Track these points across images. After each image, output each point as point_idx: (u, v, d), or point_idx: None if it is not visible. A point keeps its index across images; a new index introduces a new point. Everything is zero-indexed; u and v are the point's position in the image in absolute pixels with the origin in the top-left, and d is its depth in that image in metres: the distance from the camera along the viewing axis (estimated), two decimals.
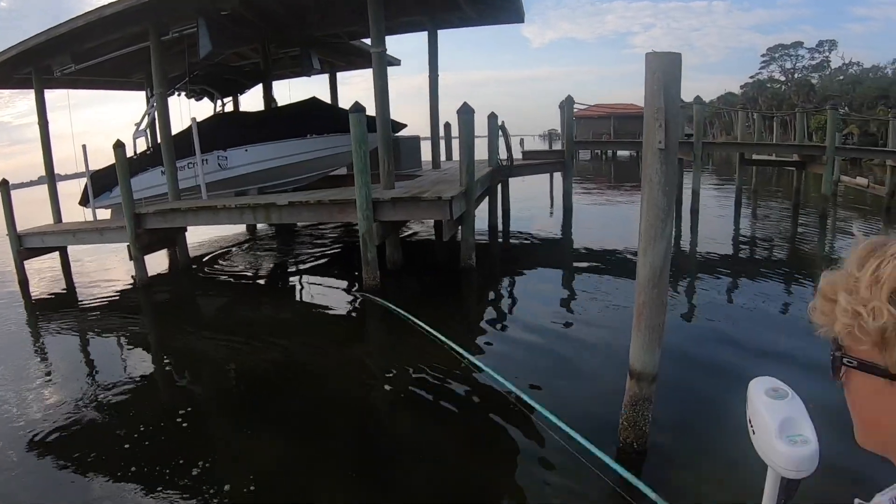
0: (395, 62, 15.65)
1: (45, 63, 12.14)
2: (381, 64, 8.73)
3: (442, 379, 5.31)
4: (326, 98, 15.39)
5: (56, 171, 13.48)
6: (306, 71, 14.37)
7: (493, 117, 11.65)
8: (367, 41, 10.50)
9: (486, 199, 12.14)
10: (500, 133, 12.17)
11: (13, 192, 12.13)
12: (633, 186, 19.07)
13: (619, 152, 33.68)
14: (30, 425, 5.04)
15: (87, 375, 6.54)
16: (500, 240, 12.14)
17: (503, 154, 12.48)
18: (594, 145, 30.47)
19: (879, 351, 0.67)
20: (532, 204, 16.01)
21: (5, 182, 11.89)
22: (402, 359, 6.00)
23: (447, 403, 4.91)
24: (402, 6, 11.18)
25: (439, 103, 13.12)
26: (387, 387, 5.45)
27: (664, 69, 3.30)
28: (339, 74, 17.10)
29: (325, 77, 16.95)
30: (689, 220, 13.14)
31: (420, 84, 12.88)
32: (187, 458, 4.21)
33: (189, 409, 5.24)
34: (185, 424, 4.90)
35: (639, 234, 3.56)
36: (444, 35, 13.02)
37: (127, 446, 4.51)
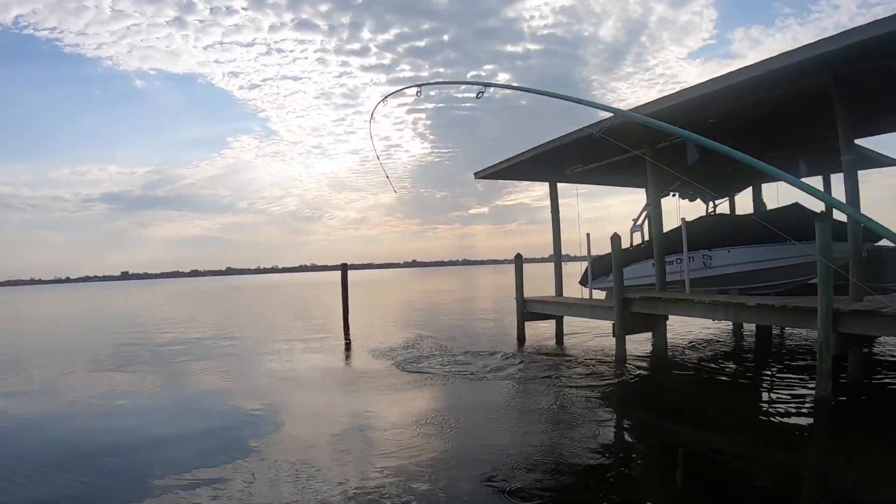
0: (891, 162, 16.23)
1: (559, 162, 16.90)
2: (851, 173, 10.25)
3: None
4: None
5: (564, 252, 18.32)
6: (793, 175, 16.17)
7: None
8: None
9: None
10: None
11: (528, 266, 17.32)
12: None
13: None
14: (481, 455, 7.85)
15: (544, 421, 9.73)
16: None
17: None
18: None
19: None
20: None
21: (519, 256, 17.15)
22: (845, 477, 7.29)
23: None
24: (880, 107, 12.55)
25: None
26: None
27: None
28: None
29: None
30: None
31: None
32: None
33: (628, 472, 7.79)
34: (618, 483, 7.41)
35: None
36: None
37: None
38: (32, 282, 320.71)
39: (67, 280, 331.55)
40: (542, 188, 19.02)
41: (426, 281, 76.17)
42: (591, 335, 18.01)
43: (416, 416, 10.05)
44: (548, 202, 18.77)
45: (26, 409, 11.59)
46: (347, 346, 18.64)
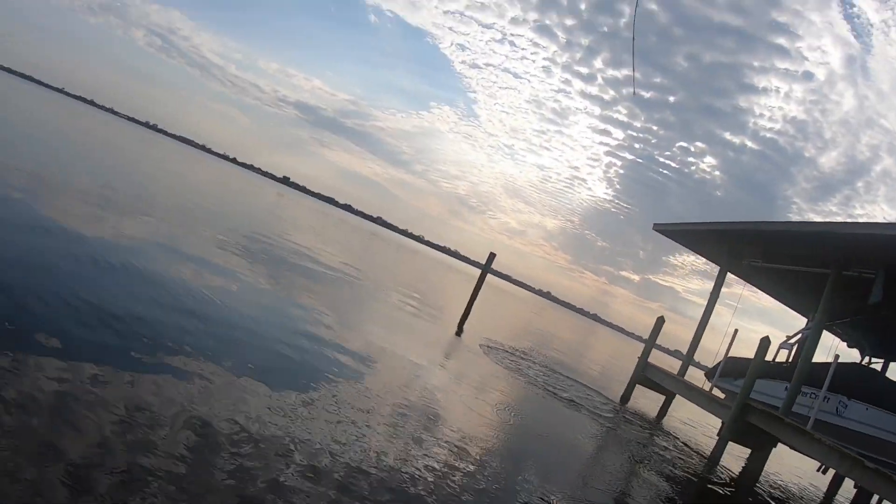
0: None
1: (740, 249, 16.81)
2: None
3: None
4: None
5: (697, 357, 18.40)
6: None
7: None
8: None
9: None
10: None
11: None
12: None
13: None
14: None
15: (609, 474, 9.86)
16: None
17: None
18: None
19: None
20: None
21: (661, 318, 17.31)
22: None
23: None
24: None
25: None
26: None
27: None
28: None
29: None
30: None
31: None
32: None
33: None
34: None
35: None
36: None
37: None
38: (203, 148, 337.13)
39: (234, 161, 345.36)
40: (697, 283, 19.11)
41: (552, 314, 76.46)
42: (693, 426, 17.89)
43: (493, 404, 10.60)
44: (696, 298, 19.03)
45: (140, 253, 10.98)
46: (461, 324, 19.05)
